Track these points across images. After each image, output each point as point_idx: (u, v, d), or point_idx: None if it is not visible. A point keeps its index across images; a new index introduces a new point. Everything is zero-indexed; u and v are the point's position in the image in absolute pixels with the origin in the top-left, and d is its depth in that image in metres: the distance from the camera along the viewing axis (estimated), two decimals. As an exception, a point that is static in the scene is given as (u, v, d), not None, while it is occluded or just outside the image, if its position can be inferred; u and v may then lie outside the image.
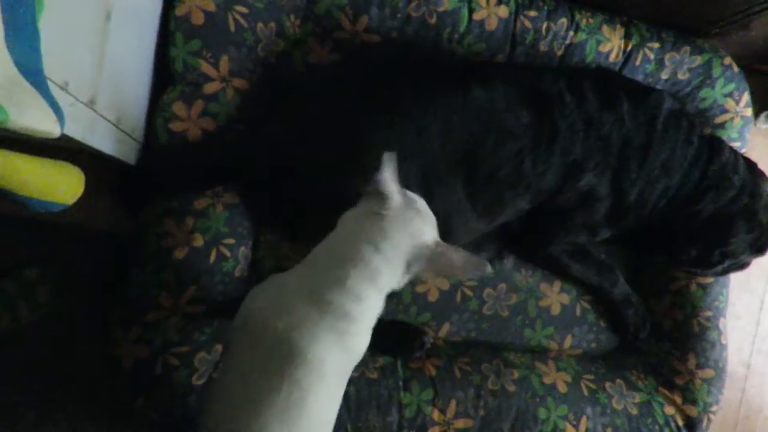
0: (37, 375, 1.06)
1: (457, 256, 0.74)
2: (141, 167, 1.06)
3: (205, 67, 1.06)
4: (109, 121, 0.80)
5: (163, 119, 1.05)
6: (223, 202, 1.07)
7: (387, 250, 0.71)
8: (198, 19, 1.04)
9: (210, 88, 1.07)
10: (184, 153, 1.08)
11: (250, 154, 1.10)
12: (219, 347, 1.03)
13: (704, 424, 1.34)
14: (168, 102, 1.04)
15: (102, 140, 0.78)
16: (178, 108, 1.05)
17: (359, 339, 0.74)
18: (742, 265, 1.28)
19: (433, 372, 1.20)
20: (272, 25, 1.11)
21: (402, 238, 0.73)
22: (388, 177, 0.74)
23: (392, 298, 1.24)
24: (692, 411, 1.33)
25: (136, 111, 0.99)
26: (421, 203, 0.80)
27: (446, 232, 1.12)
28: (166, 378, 0.96)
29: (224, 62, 1.07)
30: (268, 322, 0.69)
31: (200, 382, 0.99)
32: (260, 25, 1.09)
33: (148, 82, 1.04)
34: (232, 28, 1.07)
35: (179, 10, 1.03)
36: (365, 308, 0.72)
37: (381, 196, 0.74)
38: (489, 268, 0.73)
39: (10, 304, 0.99)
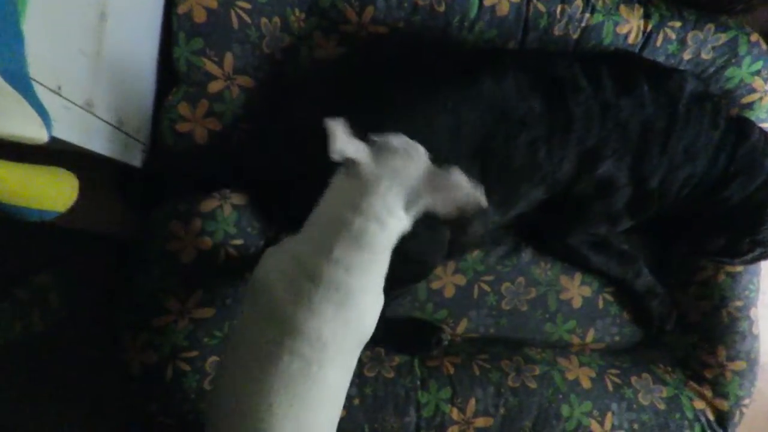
0: (47, 381, 1.06)
1: (454, 175, 0.71)
2: (148, 169, 1.05)
3: (209, 66, 1.04)
4: (110, 124, 0.78)
5: (168, 121, 1.04)
6: (231, 203, 1.05)
7: (368, 209, 0.69)
8: (200, 16, 1.02)
9: (214, 87, 1.05)
10: (191, 154, 1.06)
11: (258, 154, 1.08)
12: (231, 350, 1.02)
13: (736, 417, 1.29)
14: (173, 103, 1.03)
15: (103, 144, 0.77)
16: (183, 109, 1.03)
17: (362, 309, 0.72)
18: (772, 253, 1.23)
19: (451, 370, 1.17)
20: (276, 20, 1.09)
21: (383, 190, 0.70)
22: (343, 144, 0.70)
23: (407, 295, 1.23)
24: (723, 405, 1.28)
25: (140, 113, 0.98)
26: (396, 141, 0.76)
27: (462, 224, 1.10)
28: (177, 384, 0.95)
29: (228, 60, 1.05)
30: (272, 289, 0.70)
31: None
32: (264, 20, 1.07)
33: (152, 82, 1.03)
34: (235, 24, 1.05)
35: (181, 8, 1.01)
36: (358, 275, 0.70)
37: (350, 161, 0.72)
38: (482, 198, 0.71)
39: (23, 311, 0.99)
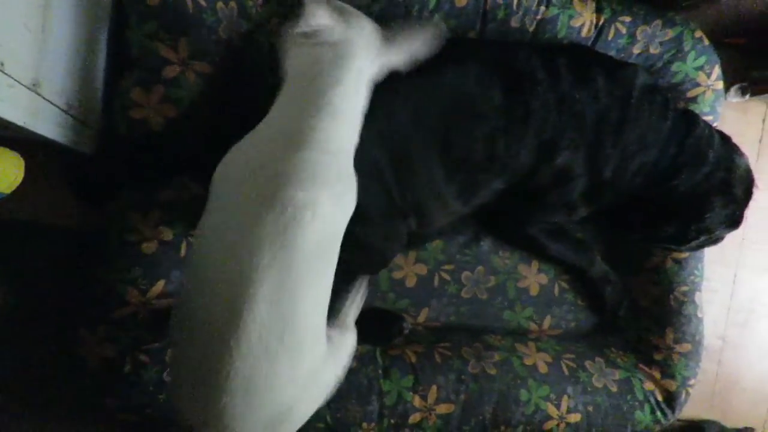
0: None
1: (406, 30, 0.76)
2: (100, 157, 1.01)
3: (164, 51, 1.01)
4: (57, 106, 0.75)
5: (121, 106, 1.00)
6: (191, 193, 1.02)
7: (346, 75, 0.71)
8: (154, -1, 0.99)
9: (169, 72, 1.02)
10: (147, 142, 1.02)
11: (217, 141, 1.05)
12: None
13: (683, 397, 1.35)
14: (125, 88, 0.99)
15: (50, 127, 0.73)
16: (137, 94, 1.00)
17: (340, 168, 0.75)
18: (716, 240, 1.29)
19: (413, 358, 1.18)
20: (233, 4, 1.06)
21: (357, 50, 0.72)
22: (318, 12, 0.70)
23: (369, 285, 1.23)
24: (671, 385, 1.34)
25: (91, 97, 0.94)
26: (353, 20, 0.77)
27: (424, 214, 1.11)
28: (136, 376, 0.92)
29: (183, 45, 1.02)
30: (255, 176, 0.68)
31: (171, 379, 0.95)
32: (220, 4, 1.04)
33: (103, 66, 0.99)
34: (191, 8, 1.01)
35: (133, -10, 0.98)
36: (335, 140, 0.73)
37: (315, 31, 0.71)
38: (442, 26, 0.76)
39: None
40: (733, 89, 1.62)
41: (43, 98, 0.68)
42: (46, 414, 1.04)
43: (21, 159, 0.62)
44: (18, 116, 0.61)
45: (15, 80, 0.59)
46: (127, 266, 0.94)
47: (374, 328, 1.19)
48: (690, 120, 1.20)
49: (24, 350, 1.03)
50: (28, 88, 0.63)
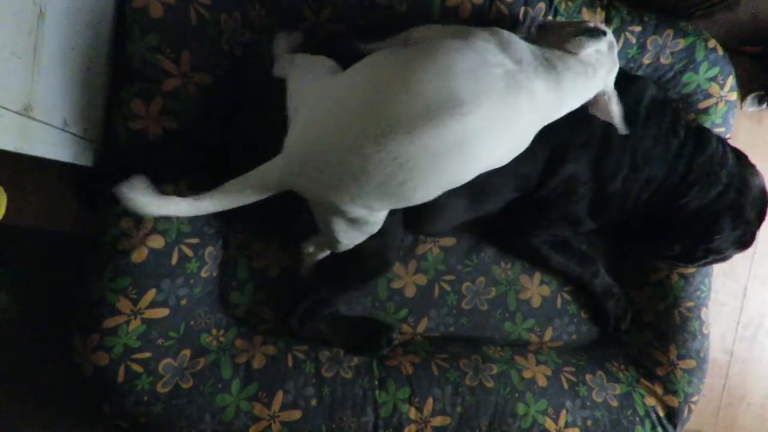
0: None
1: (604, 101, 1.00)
2: (102, 168, 1.03)
3: (165, 63, 1.01)
4: (52, 126, 0.75)
5: (121, 118, 1.01)
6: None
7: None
8: (156, 11, 0.99)
9: (169, 84, 1.02)
10: (146, 152, 1.03)
11: (216, 151, 1.06)
12: (187, 353, 1.01)
13: (685, 414, 1.33)
14: (125, 100, 1.00)
15: (46, 147, 0.74)
16: (136, 106, 1.00)
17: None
18: (724, 258, 1.26)
19: (410, 370, 1.18)
20: (237, 15, 1.06)
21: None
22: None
23: (368, 295, 1.23)
24: (673, 401, 1.32)
25: (90, 111, 0.95)
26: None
27: (431, 219, 1.11)
28: (129, 385, 0.94)
29: (185, 57, 1.03)
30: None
31: (166, 389, 0.97)
32: (224, 16, 1.05)
33: (103, 80, 1.00)
34: (194, 20, 1.02)
35: (136, 3, 0.98)
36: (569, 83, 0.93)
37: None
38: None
39: (-30, 311, 0.97)
40: (749, 98, 1.58)
41: (36, 120, 0.69)
42: (46, 416, 1.07)
43: (3, 194, 0.63)
44: (8, 142, 0.61)
45: (4, 108, 0.60)
46: (116, 275, 0.96)
47: (363, 338, 1.20)
48: (702, 137, 1.17)
49: (26, 353, 1.06)
50: (19, 114, 0.64)
